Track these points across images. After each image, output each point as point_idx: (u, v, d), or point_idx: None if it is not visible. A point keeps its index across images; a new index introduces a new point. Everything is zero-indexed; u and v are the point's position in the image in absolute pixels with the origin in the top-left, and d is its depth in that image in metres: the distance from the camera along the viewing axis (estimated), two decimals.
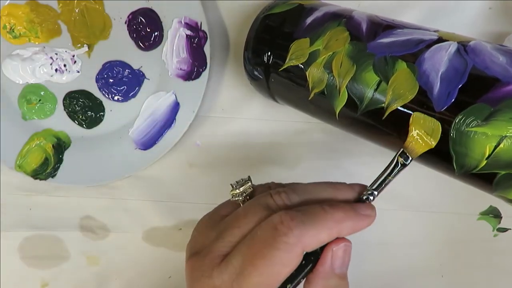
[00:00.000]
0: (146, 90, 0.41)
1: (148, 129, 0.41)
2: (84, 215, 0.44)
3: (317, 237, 0.23)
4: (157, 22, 0.40)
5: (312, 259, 0.24)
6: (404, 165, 0.25)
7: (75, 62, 0.41)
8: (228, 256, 0.23)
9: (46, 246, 0.45)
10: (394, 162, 0.25)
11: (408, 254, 0.42)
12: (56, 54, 0.41)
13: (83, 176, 0.42)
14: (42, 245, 0.45)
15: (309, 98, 0.32)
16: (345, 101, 0.30)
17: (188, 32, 0.39)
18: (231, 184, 0.29)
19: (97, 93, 0.42)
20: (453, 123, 0.25)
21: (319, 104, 0.32)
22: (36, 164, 0.41)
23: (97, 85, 0.41)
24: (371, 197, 0.26)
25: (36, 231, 0.44)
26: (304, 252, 0.23)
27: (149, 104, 0.41)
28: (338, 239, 0.24)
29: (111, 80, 0.41)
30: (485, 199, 0.41)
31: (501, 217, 0.41)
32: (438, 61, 0.26)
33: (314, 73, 0.31)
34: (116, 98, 0.42)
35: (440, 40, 0.27)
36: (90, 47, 0.41)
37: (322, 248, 0.24)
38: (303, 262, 0.23)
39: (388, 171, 0.26)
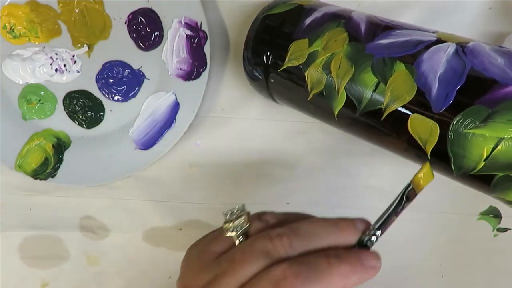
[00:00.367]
0: (146, 90, 0.41)
1: (148, 129, 0.41)
2: (84, 215, 0.44)
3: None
4: (157, 22, 0.40)
5: None
6: (407, 203, 0.24)
7: (75, 62, 0.41)
8: None
9: (46, 246, 0.45)
10: (399, 198, 0.24)
11: (408, 254, 0.42)
12: (56, 54, 0.41)
13: (83, 176, 0.42)
14: (42, 245, 0.45)
15: (308, 99, 0.32)
16: (344, 102, 0.30)
17: (188, 32, 0.39)
18: (223, 213, 0.26)
19: (97, 93, 0.42)
20: (451, 125, 0.25)
21: (318, 105, 0.32)
22: (36, 164, 0.41)
23: (97, 85, 0.41)
24: (374, 238, 0.24)
25: (36, 231, 0.44)
26: None
27: (149, 104, 0.41)
28: None
29: (111, 80, 0.41)
30: (485, 199, 0.41)
31: (501, 217, 0.41)
32: (437, 62, 0.26)
33: (313, 74, 0.31)
34: (116, 98, 0.42)
35: (438, 41, 0.27)
36: (90, 47, 0.41)
37: None
38: None
39: (393, 207, 0.24)
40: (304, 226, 0.24)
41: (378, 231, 0.24)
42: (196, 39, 0.39)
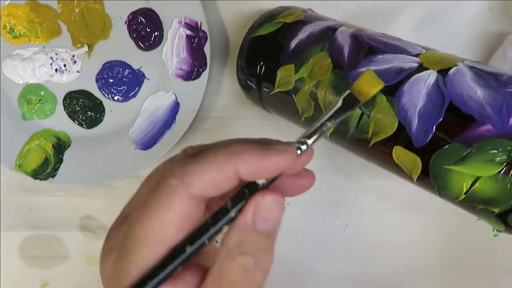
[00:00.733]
0: (146, 90, 0.41)
1: (148, 129, 0.41)
2: (84, 215, 0.44)
3: (204, 174, 0.18)
4: (157, 22, 0.40)
5: (229, 219, 0.19)
6: (349, 110, 0.20)
7: (75, 62, 0.41)
8: (128, 216, 0.20)
9: (46, 246, 0.45)
10: (338, 106, 0.20)
11: (408, 254, 0.42)
12: (56, 54, 0.41)
13: (83, 176, 0.42)
14: (42, 245, 0.45)
15: (301, 120, 0.33)
16: (333, 128, 0.30)
17: (188, 32, 0.39)
18: None
19: (97, 93, 0.42)
20: (432, 160, 0.25)
21: (310, 126, 0.33)
22: (36, 164, 0.41)
23: (97, 85, 0.41)
24: (304, 147, 0.20)
25: (36, 231, 0.44)
26: (197, 198, 0.19)
27: (149, 104, 0.41)
28: (266, 191, 0.19)
29: (111, 80, 0.41)
30: None
31: None
32: (416, 95, 0.26)
33: (302, 100, 0.32)
34: (116, 98, 0.42)
35: (420, 68, 0.27)
36: (90, 47, 0.41)
37: None
38: (210, 220, 0.19)
39: (328, 116, 0.20)
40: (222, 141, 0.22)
41: (309, 139, 0.20)
42: (196, 39, 0.39)
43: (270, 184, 0.20)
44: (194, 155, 0.20)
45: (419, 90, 0.26)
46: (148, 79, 0.41)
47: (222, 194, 0.19)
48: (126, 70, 0.41)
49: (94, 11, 0.40)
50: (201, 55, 0.39)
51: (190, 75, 0.40)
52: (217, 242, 0.20)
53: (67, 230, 0.44)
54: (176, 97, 0.40)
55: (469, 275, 0.42)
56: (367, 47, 0.30)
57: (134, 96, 0.41)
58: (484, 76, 0.25)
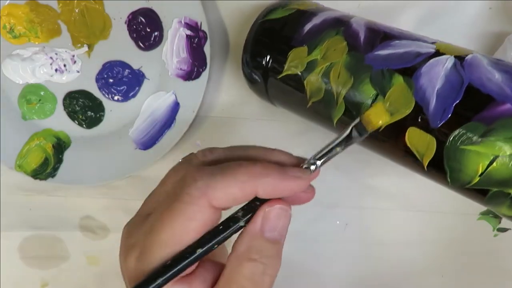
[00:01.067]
0: (146, 90, 0.41)
1: (148, 129, 0.41)
2: (84, 215, 0.44)
3: (226, 190, 0.20)
4: (157, 22, 0.40)
5: (238, 227, 0.21)
6: (357, 138, 0.23)
7: (75, 62, 0.41)
8: (149, 216, 0.22)
9: (46, 246, 0.45)
10: (347, 133, 0.23)
11: (408, 254, 0.42)
12: (56, 54, 0.41)
13: (83, 176, 0.42)
14: (42, 245, 0.45)
15: (307, 106, 0.32)
16: (343, 111, 0.30)
17: (188, 32, 0.39)
18: None
19: (97, 93, 0.42)
20: (448, 140, 0.25)
21: (317, 112, 0.32)
22: (36, 164, 0.41)
23: (97, 85, 0.41)
24: (313, 167, 0.22)
25: (36, 231, 0.44)
26: (216, 208, 0.20)
27: (149, 104, 0.41)
28: (274, 201, 0.21)
29: (111, 80, 0.41)
30: None
31: (501, 217, 0.41)
32: (435, 77, 0.26)
33: (312, 83, 0.31)
34: (116, 98, 0.42)
35: (437, 53, 0.27)
36: (90, 47, 0.41)
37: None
38: (221, 227, 0.21)
39: (338, 141, 0.23)
40: (237, 146, 0.24)
41: (319, 161, 0.22)
42: (196, 39, 0.39)
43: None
44: (215, 162, 0.22)
45: (437, 72, 0.26)
46: (148, 79, 0.41)
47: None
48: (126, 70, 0.41)
49: (94, 11, 0.40)
50: (201, 55, 0.39)
51: (190, 75, 0.40)
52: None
53: (67, 230, 0.44)
54: (176, 97, 0.40)
55: (469, 275, 0.42)
56: (382, 33, 0.30)
57: (134, 96, 0.41)
58: (499, 63, 0.26)
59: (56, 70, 0.41)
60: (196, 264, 0.21)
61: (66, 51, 0.41)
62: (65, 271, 0.45)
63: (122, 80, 0.41)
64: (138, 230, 0.22)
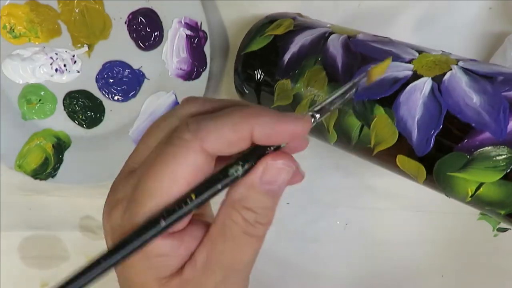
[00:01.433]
0: (146, 90, 0.41)
1: None
2: (84, 215, 0.44)
3: (219, 131, 0.18)
4: (157, 22, 0.40)
5: (235, 177, 0.19)
6: (355, 90, 0.21)
7: (75, 62, 0.41)
8: (136, 170, 0.21)
9: (46, 246, 0.45)
10: (351, 84, 0.21)
11: (408, 254, 0.42)
12: (56, 54, 0.41)
13: (83, 176, 0.42)
14: (42, 245, 0.45)
15: None
16: (336, 138, 0.31)
17: (188, 32, 0.39)
18: None
19: (97, 93, 0.42)
20: (435, 168, 0.26)
21: (314, 135, 0.33)
22: (36, 164, 0.41)
23: (97, 85, 0.41)
24: (312, 119, 0.20)
25: (36, 231, 0.44)
26: (209, 153, 0.19)
27: (149, 104, 0.41)
28: (278, 154, 0.19)
29: (111, 80, 0.41)
30: None
31: None
32: (414, 105, 0.26)
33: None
34: (116, 98, 0.42)
35: (414, 76, 0.27)
36: (90, 47, 0.41)
37: None
38: (217, 176, 0.19)
39: (340, 92, 0.21)
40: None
41: (317, 114, 0.20)
42: (196, 39, 0.39)
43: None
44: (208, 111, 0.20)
45: (415, 100, 0.26)
46: (148, 79, 0.41)
47: (232, 154, 0.19)
48: (126, 70, 0.41)
49: (94, 11, 0.40)
50: (201, 55, 0.39)
51: (190, 75, 0.40)
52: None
53: (67, 230, 0.44)
54: (176, 97, 0.40)
55: (469, 275, 0.42)
56: (359, 57, 0.29)
57: (134, 96, 0.41)
58: (479, 79, 0.25)
59: (56, 70, 0.41)
60: (188, 219, 0.20)
61: (66, 51, 0.41)
62: (65, 271, 0.45)
63: (122, 80, 0.41)
64: (123, 186, 0.20)
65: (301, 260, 0.42)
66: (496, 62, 0.36)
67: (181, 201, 0.18)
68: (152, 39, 0.40)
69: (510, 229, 0.41)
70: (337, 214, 0.42)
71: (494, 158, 0.23)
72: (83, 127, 0.42)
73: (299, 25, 0.34)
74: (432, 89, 0.26)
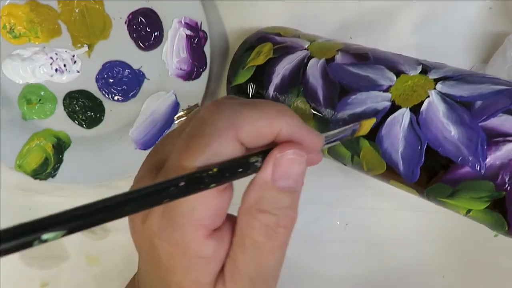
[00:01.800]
0: (146, 90, 0.41)
1: (148, 129, 0.41)
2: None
3: (254, 122, 0.17)
4: (157, 22, 0.40)
5: (255, 167, 0.18)
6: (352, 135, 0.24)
7: (75, 62, 0.41)
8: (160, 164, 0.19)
9: (45, 246, 0.44)
10: (348, 130, 0.23)
11: (408, 254, 0.42)
12: (56, 54, 0.41)
13: (83, 176, 0.42)
14: (42, 245, 0.45)
15: None
16: (333, 159, 0.32)
17: (188, 32, 0.39)
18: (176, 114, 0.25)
19: (97, 93, 0.42)
20: (425, 193, 0.27)
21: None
22: (36, 164, 0.41)
23: (97, 85, 0.41)
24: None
25: None
26: (241, 145, 0.18)
27: (149, 104, 0.41)
28: (286, 144, 0.18)
29: (111, 80, 0.41)
30: None
31: None
32: (395, 139, 0.26)
33: None
34: (116, 98, 0.42)
35: (393, 106, 0.27)
36: (90, 47, 0.41)
37: None
38: (240, 169, 0.18)
39: (339, 136, 0.22)
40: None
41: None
42: (196, 39, 0.39)
43: None
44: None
45: (396, 134, 0.26)
46: (148, 79, 0.41)
47: (254, 148, 0.18)
48: (126, 70, 0.41)
49: (94, 11, 0.40)
50: (201, 55, 0.39)
51: (190, 75, 0.40)
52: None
53: None
54: (176, 97, 0.40)
55: (470, 276, 0.42)
56: (339, 87, 0.30)
57: (134, 96, 0.41)
58: (457, 107, 0.25)
59: (56, 70, 0.41)
60: (225, 214, 0.18)
61: (66, 51, 0.41)
62: (65, 271, 0.45)
63: (122, 80, 0.41)
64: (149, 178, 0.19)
65: (301, 260, 0.42)
66: (496, 62, 0.36)
67: (204, 171, 0.17)
68: (152, 39, 0.40)
69: None
70: (337, 214, 0.42)
71: (477, 191, 0.24)
72: (83, 127, 0.42)
73: (278, 50, 0.34)
74: (411, 122, 0.26)
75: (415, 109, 0.26)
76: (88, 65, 0.41)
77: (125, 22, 0.40)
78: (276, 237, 0.18)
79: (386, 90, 0.28)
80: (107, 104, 0.42)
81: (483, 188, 0.24)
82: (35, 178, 0.41)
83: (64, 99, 0.42)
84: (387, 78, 0.28)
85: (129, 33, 0.40)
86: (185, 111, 0.26)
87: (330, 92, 0.30)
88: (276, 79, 0.33)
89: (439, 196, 0.26)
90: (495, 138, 0.23)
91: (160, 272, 0.19)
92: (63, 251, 0.45)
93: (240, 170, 0.17)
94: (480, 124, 0.24)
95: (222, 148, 0.17)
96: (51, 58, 0.41)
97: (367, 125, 0.24)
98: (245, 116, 0.18)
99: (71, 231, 0.13)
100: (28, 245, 0.13)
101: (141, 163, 0.21)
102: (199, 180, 0.16)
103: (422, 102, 0.26)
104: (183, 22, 0.39)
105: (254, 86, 0.34)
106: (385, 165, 0.28)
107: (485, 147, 0.23)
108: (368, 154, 0.28)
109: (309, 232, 0.43)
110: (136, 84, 0.41)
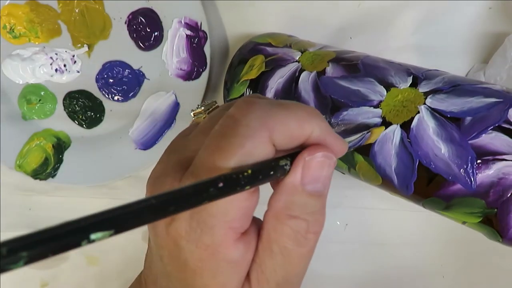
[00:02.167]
0: (146, 90, 0.41)
1: (148, 129, 0.41)
2: (84, 215, 0.44)
3: (287, 122, 0.17)
4: (157, 22, 0.40)
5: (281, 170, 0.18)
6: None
7: (75, 62, 0.41)
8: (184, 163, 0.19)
9: None
10: (362, 138, 0.25)
11: (409, 254, 0.42)
12: (56, 54, 0.41)
13: (83, 176, 0.42)
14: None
15: None
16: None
17: (188, 32, 0.39)
18: (192, 109, 0.26)
19: (97, 93, 0.42)
20: (422, 205, 0.27)
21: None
22: (36, 164, 0.41)
23: (97, 85, 0.41)
24: None
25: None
26: (273, 146, 0.17)
27: (149, 104, 0.41)
28: (315, 147, 0.18)
29: (111, 80, 0.41)
30: None
31: None
32: (388, 156, 0.27)
33: None
34: (116, 98, 0.42)
35: (384, 123, 0.27)
36: (90, 47, 0.41)
37: None
38: (272, 171, 0.17)
39: (353, 143, 0.24)
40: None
41: None
42: (196, 39, 0.39)
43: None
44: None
45: (388, 150, 0.27)
46: (148, 79, 0.41)
47: (282, 151, 0.18)
48: (126, 70, 0.41)
49: (94, 11, 0.40)
50: (201, 55, 0.39)
51: (190, 75, 0.40)
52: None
53: None
54: (176, 97, 0.40)
55: (470, 276, 0.42)
56: (330, 102, 0.30)
57: (134, 96, 0.41)
58: (446, 124, 0.25)
59: (56, 70, 0.41)
60: (251, 217, 0.18)
61: (66, 51, 0.41)
62: (65, 271, 0.45)
63: (122, 80, 0.41)
64: (171, 183, 0.18)
65: None
66: (496, 62, 0.36)
67: (239, 172, 0.16)
68: (152, 39, 0.40)
69: None
70: (337, 214, 0.42)
71: (469, 207, 0.24)
72: (83, 127, 0.42)
73: (269, 63, 0.34)
74: (402, 139, 0.26)
75: (406, 126, 0.26)
76: (88, 65, 0.41)
77: (125, 22, 0.40)
78: (306, 243, 0.18)
79: (377, 106, 0.28)
80: (107, 104, 0.42)
81: (475, 204, 0.24)
82: (35, 178, 0.41)
83: (64, 99, 0.42)
84: (377, 92, 0.28)
85: (129, 33, 0.40)
86: (202, 108, 0.26)
87: (321, 106, 0.30)
88: (269, 94, 0.33)
89: (434, 208, 0.26)
90: (484, 156, 0.23)
91: (185, 274, 0.19)
92: None
93: (272, 173, 0.17)
94: (469, 141, 0.24)
95: (256, 149, 0.17)
96: (51, 58, 0.41)
97: (377, 133, 0.25)
98: (278, 116, 0.17)
99: (118, 231, 0.13)
100: (77, 245, 0.13)
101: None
102: (236, 182, 0.16)
103: (412, 118, 0.26)
104: (183, 22, 0.39)
105: None
106: (380, 179, 0.28)
107: (475, 165, 0.24)
108: (363, 168, 0.29)
109: None
110: (136, 84, 0.41)
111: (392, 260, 0.42)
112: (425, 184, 0.26)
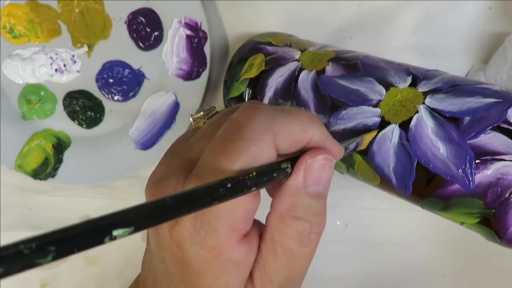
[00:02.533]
0: (146, 90, 0.41)
1: (148, 129, 0.41)
2: (84, 215, 0.44)
3: (290, 127, 0.18)
4: (157, 22, 0.40)
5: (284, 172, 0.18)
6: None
7: (75, 62, 0.41)
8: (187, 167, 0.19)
9: None
10: (356, 144, 0.25)
11: (409, 254, 0.42)
12: (56, 54, 0.41)
13: (83, 176, 0.42)
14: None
15: None
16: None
17: (188, 32, 0.39)
18: (191, 114, 0.26)
19: (97, 93, 0.42)
20: (420, 205, 0.27)
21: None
22: (36, 164, 0.41)
23: (97, 85, 0.41)
24: None
25: (36, 231, 0.44)
26: (277, 151, 0.18)
27: (149, 104, 0.41)
28: (316, 150, 0.18)
29: (111, 80, 0.41)
30: None
31: None
32: (386, 155, 0.27)
33: None
34: (116, 98, 0.42)
35: (383, 122, 0.27)
36: (90, 47, 0.41)
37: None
38: (275, 174, 0.18)
39: (349, 149, 0.24)
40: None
41: None
42: (196, 39, 0.39)
43: None
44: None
45: (387, 149, 0.26)
46: (148, 79, 0.41)
47: (284, 155, 0.18)
48: (126, 70, 0.41)
49: (94, 11, 0.40)
50: (201, 55, 0.39)
51: (190, 75, 0.40)
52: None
53: None
54: (176, 97, 0.40)
55: (470, 276, 0.42)
56: (329, 101, 0.30)
57: (134, 96, 0.41)
58: (445, 124, 0.25)
59: (56, 70, 0.41)
60: (252, 218, 0.18)
61: (66, 51, 0.41)
62: (65, 271, 0.45)
63: (122, 80, 0.41)
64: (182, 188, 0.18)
65: None
66: (496, 62, 0.36)
67: (244, 174, 0.17)
68: (152, 39, 0.40)
69: None
70: (337, 214, 0.42)
71: (467, 207, 0.24)
72: (83, 127, 0.42)
73: (269, 62, 0.34)
74: (400, 138, 0.26)
75: (404, 125, 0.26)
76: (88, 65, 0.41)
77: (125, 22, 0.40)
78: (309, 244, 0.19)
79: (376, 105, 0.28)
80: (107, 104, 0.42)
81: (473, 205, 0.24)
82: (35, 178, 0.41)
83: (64, 99, 0.42)
84: (377, 92, 0.28)
85: (129, 33, 0.40)
86: (202, 113, 0.26)
87: (321, 105, 0.30)
88: (269, 93, 0.33)
89: (433, 209, 0.26)
90: (483, 156, 0.23)
91: (188, 276, 0.19)
92: None
93: (275, 175, 0.18)
94: (468, 141, 0.24)
95: (261, 152, 0.17)
96: (51, 58, 0.41)
97: (367, 139, 0.25)
98: (282, 121, 0.18)
99: (137, 229, 0.14)
100: (100, 241, 0.14)
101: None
102: (243, 183, 0.16)
103: (411, 118, 0.26)
104: (183, 22, 0.39)
105: (249, 99, 0.34)
106: (379, 179, 0.28)
107: (473, 165, 0.23)
108: (362, 168, 0.28)
109: None
110: (136, 84, 0.41)
111: (392, 260, 0.42)
112: (423, 184, 0.25)
